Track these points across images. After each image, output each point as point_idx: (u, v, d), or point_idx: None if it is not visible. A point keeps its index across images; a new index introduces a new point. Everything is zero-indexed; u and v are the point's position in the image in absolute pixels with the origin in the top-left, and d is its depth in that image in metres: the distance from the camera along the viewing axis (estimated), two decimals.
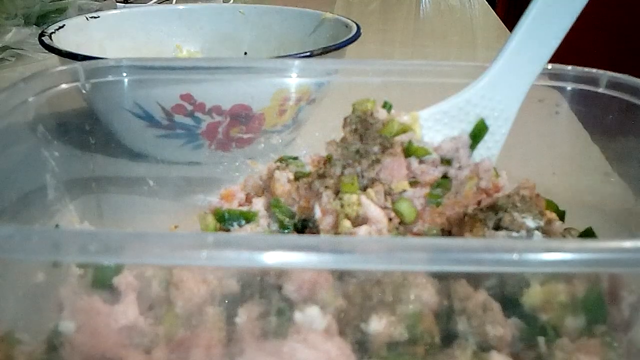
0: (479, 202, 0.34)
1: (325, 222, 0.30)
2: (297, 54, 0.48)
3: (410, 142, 0.34)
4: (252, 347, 0.24)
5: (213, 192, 0.40)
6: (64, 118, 0.39)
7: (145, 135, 0.46)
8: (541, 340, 0.26)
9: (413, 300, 0.26)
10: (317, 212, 0.31)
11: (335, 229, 0.30)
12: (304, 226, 0.32)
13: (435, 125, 0.35)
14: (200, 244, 0.21)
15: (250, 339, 0.25)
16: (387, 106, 0.35)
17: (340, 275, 0.26)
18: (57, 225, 0.36)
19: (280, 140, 0.45)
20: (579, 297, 0.26)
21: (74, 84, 0.38)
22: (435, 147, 0.34)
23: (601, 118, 0.37)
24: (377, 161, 0.32)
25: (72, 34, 0.58)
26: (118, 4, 0.96)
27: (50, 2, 0.88)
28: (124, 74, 0.40)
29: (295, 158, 0.37)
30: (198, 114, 0.45)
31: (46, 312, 0.27)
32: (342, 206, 0.30)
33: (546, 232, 0.31)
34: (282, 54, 0.50)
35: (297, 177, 0.34)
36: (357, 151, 0.33)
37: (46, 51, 0.51)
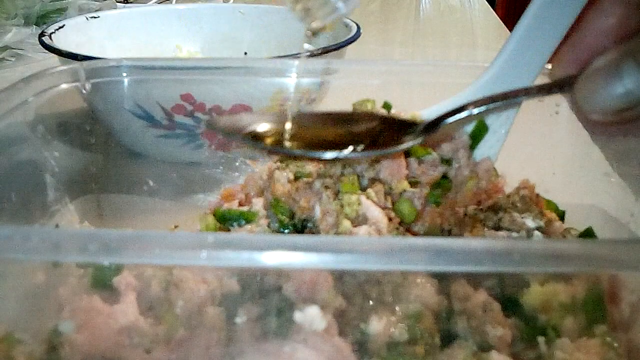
0: (479, 202, 0.34)
1: (325, 222, 0.30)
2: (297, 54, 0.48)
3: None
4: (252, 347, 0.24)
5: (213, 192, 0.40)
6: (64, 118, 0.39)
7: (145, 135, 0.46)
8: (541, 340, 0.26)
9: (413, 300, 0.26)
10: (317, 212, 0.31)
11: (335, 229, 0.30)
12: (304, 226, 0.32)
13: None
14: (200, 244, 0.21)
15: (250, 339, 0.25)
16: (387, 106, 0.35)
17: (340, 275, 0.26)
18: (57, 225, 0.36)
19: None
20: (579, 297, 0.26)
21: (74, 84, 0.38)
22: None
23: None
24: (377, 161, 0.32)
25: (72, 34, 0.58)
26: (118, 4, 0.96)
27: (50, 2, 0.88)
28: (124, 74, 0.40)
29: None
30: (198, 114, 0.45)
31: (46, 312, 0.27)
32: (342, 206, 0.30)
33: (546, 232, 0.31)
34: (282, 54, 0.50)
35: (297, 177, 0.34)
36: None
37: (46, 51, 0.51)
